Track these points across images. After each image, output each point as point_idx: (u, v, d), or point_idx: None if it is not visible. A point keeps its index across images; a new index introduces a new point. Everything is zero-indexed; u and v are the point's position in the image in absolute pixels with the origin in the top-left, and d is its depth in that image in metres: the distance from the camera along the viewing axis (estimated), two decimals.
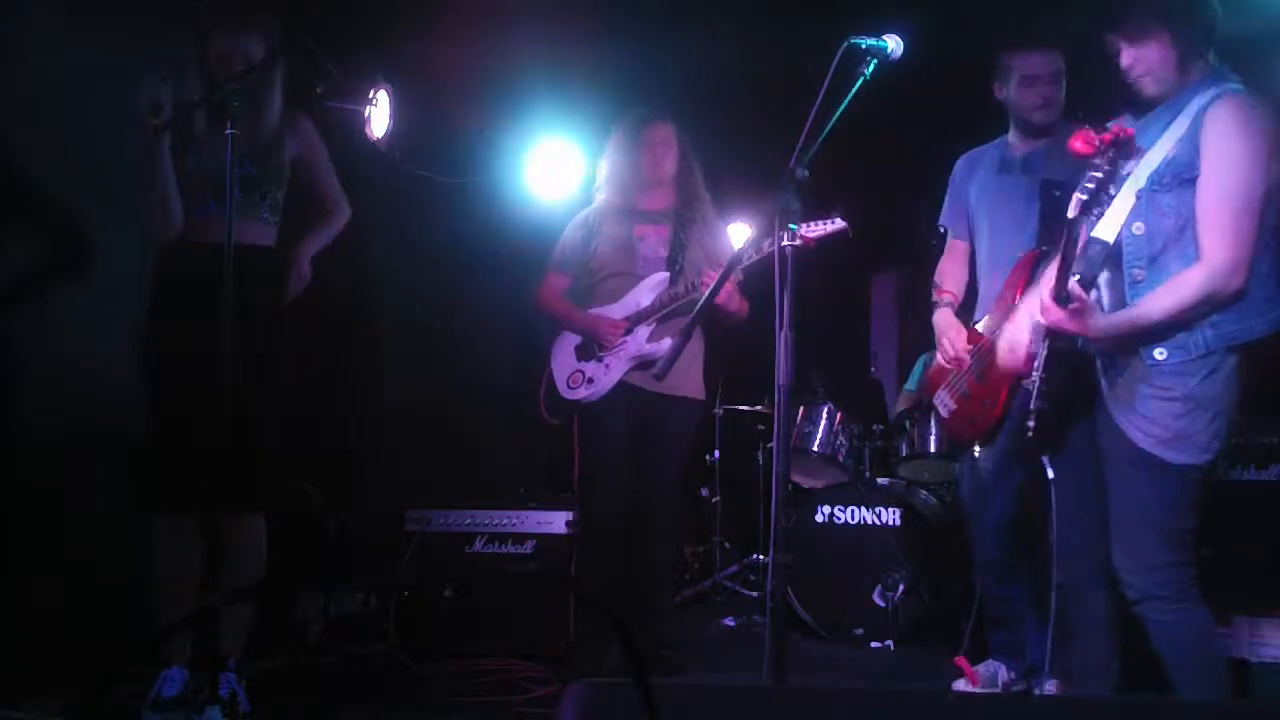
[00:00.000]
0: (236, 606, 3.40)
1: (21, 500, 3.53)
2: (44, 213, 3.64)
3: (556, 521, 4.42)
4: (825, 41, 2.71)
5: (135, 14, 3.83)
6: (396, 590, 4.35)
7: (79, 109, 3.68)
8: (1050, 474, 3.05)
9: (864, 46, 2.71)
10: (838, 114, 2.64)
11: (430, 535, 4.42)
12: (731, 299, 4.04)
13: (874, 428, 5.42)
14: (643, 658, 1.51)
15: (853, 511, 4.95)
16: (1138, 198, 2.65)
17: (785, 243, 2.61)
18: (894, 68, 2.75)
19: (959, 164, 3.93)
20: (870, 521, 4.92)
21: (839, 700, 1.80)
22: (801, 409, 5.36)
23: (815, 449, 5.31)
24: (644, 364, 4.07)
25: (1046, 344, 2.88)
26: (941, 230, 3.95)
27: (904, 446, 5.19)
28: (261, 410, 3.38)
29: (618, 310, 4.16)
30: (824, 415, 5.35)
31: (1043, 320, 2.79)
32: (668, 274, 4.13)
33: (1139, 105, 2.85)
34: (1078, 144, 2.69)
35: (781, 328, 2.59)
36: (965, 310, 3.82)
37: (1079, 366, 2.89)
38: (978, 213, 3.80)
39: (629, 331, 4.11)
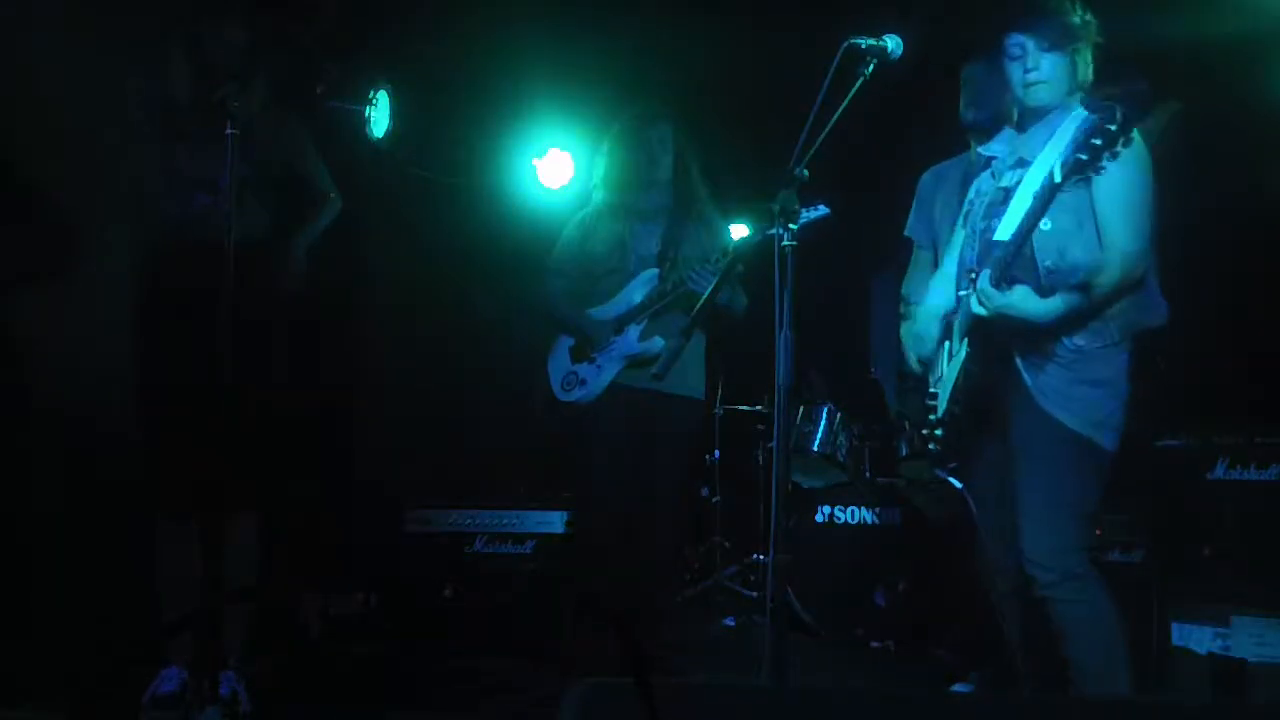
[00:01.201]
0: (236, 606, 3.40)
1: (22, 501, 3.52)
2: (43, 212, 3.63)
3: (556, 521, 4.41)
4: (825, 41, 2.71)
5: (133, 13, 3.82)
6: (396, 590, 4.34)
7: (79, 109, 3.67)
8: (958, 485, 3.11)
9: (864, 47, 2.72)
10: (838, 114, 2.64)
11: (430, 535, 4.41)
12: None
13: (874, 428, 5.41)
14: (643, 658, 1.51)
15: (853, 511, 4.94)
16: (1035, 199, 2.79)
17: (785, 243, 2.62)
18: (896, 67, 2.75)
19: (925, 177, 3.98)
20: (870, 521, 4.92)
21: (839, 700, 1.80)
22: (801, 409, 5.35)
23: (815, 449, 5.29)
24: (639, 363, 4.06)
25: (965, 342, 2.89)
26: (908, 238, 3.98)
27: (904, 446, 5.18)
28: (260, 409, 3.38)
29: (611, 309, 4.14)
30: (824, 415, 5.34)
31: (986, 309, 2.80)
32: (658, 270, 4.12)
33: (1015, 119, 3.04)
34: None
35: (781, 328, 2.59)
36: None
37: (997, 366, 2.90)
38: (942, 225, 3.82)
39: (620, 331, 4.09)
